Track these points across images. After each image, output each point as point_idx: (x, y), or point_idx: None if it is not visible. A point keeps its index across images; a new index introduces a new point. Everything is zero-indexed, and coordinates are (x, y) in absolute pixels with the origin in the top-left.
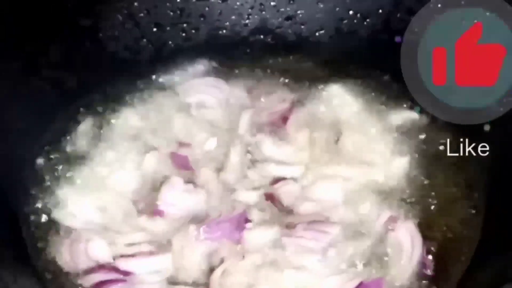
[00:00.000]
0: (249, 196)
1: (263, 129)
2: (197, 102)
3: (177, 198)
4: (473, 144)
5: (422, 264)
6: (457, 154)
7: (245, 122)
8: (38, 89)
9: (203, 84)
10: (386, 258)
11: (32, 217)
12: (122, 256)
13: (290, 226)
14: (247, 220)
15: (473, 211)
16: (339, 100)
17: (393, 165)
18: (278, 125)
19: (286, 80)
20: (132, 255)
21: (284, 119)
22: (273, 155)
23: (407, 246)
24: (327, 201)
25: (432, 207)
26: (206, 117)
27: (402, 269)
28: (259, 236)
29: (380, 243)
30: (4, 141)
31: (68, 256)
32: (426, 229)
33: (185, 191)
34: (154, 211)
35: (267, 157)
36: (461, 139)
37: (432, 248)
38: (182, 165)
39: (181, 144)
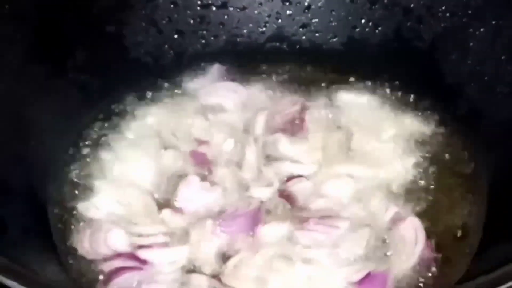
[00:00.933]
0: (264, 193)
1: (278, 130)
2: (216, 105)
3: (195, 195)
4: (478, 148)
5: (425, 259)
6: (463, 158)
7: (261, 123)
8: (65, 91)
9: (222, 88)
10: (390, 253)
11: (58, 209)
12: (140, 246)
13: (302, 221)
14: (262, 215)
15: (475, 212)
16: (352, 104)
17: (401, 166)
18: (292, 126)
19: (301, 85)
20: (150, 246)
21: (301, 120)
22: (288, 154)
23: (411, 240)
24: (337, 198)
25: (436, 206)
26: (224, 119)
27: (405, 263)
28: (272, 230)
29: (386, 237)
30: (34, 138)
31: (88, 244)
32: (430, 226)
33: (202, 189)
34: (172, 208)
35: (283, 155)
36: (467, 144)
37: (435, 245)
38: (201, 161)
39: (200, 142)
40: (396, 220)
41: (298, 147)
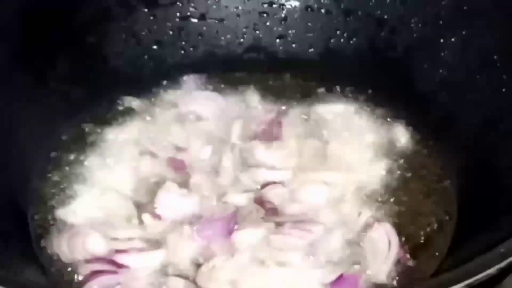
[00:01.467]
0: (240, 199)
1: (254, 137)
2: (194, 113)
3: (173, 202)
4: (449, 153)
5: (399, 261)
6: (432, 161)
7: (237, 131)
8: (46, 100)
9: (200, 97)
10: (364, 257)
11: (38, 215)
12: (117, 251)
13: (277, 225)
14: (237, 221)
15: (447, 216)
16: (327, 112)
17: (374, 172)
18: (268, 133)
19: (278, 94)
20: (127, 250)
21: (277, 127)
22: (264, 160)
23: (384, 244)
24: (312, 203)
25: (408, 210)
26: (202, 127)
27: (379, 268)
28: (248, 235)
29: (359, 242)
30: (15, 146)
31: (66, 248)
32: (402, 229)
33: (179, 195)
34: (151, 213)
35: (259, 162)
36: (438, 149)
37: (408, 247)
38: (179, 168)
39: (178, 149)
40: (369, 225)
41: (274, 154)
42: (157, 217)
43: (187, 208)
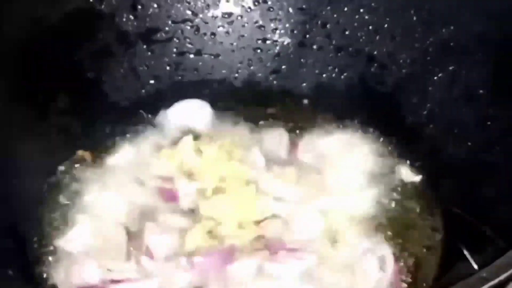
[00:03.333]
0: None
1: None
2: (186, 127)
3: (161, 239)
4: (437, 183)
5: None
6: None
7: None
8: (46, 133)
9: (188, 107)
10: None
11: (36, 243)
12: (112, 281)
13: (272, 253)
14: (234, 254)
15: (435, 232)
16: (321, 143)
17: (366, 199)
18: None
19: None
20: (121, 280)
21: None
22: (271, 190)
23: (379, 267)
24: (307, 232)
25: (401, 233)
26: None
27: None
28: (243, 267)
29: (353, 269)
30: (15, 176)
31: (64, 276)
32: (396, 251)
33: (164, 232)
34: (144, 253)
35: (265, 191)
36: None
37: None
38: (169, 197)
39: (164, 179)
40: (365, 250)
41: (280, 183)
42: (150, 255)
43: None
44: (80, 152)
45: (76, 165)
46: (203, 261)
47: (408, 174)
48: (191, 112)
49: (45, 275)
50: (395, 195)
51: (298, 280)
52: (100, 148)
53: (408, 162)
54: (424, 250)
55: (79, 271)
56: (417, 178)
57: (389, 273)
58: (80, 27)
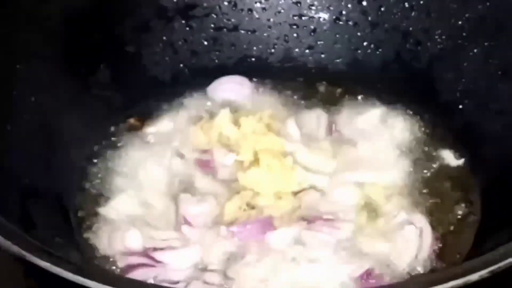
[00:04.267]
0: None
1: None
2: (224, 101)
3: (198, 209)
4: (470, 154)
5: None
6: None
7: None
8: (89, 105)
9: (228, 82)
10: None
11: (80, 210)
12: (154, 248)
13: (309, 222)
14: (272, 223)
15: (469, 209)
16: (356, 118)
17: (402, 170)
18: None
19: (307, 102)
20: (163, 248)
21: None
22: (305, 163)
23: (416, 239)
24: (344, 203)
25: (437, 204)
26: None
27: (412, 258)
28: (281, 235)
29: (391, 238)
30: (59, 145)
31: (106, 241)
32: (432, 221)
33: (202, 202)
34: (184, 222)
35: (299, 164)
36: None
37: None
38: (208, 169)
39: (203, 151)
40: (402, 221)
41: (314, 157)
42: (189, 224)
43: (206, 211)
44: (131, 120)
45: (118, 136)
46: (242, 230)
47: (444, 152)
48: (230, 86)
49: (89, 242)
50: (429, 169)
51: (335, 248)
52: (142, 119)
53: (442, 138)
54: (457, 223)
55: (122, 238)
56: (453, 156)
57: (429, 242)
58: (121, 2)
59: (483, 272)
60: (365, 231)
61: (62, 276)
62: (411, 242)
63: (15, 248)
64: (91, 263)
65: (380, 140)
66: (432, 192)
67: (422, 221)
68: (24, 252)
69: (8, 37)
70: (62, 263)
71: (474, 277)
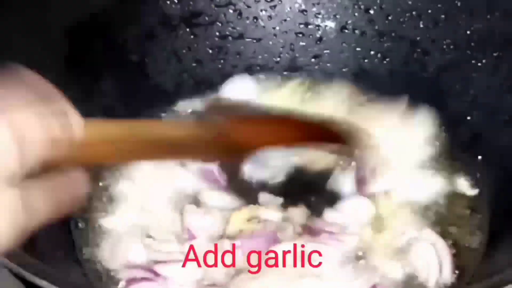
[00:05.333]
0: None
1: None
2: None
3: (202, 221)
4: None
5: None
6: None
7: None
8: (90, 114)
9: (240, 81)
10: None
11: (81, 222)
12: (157, 262)
13: (314, 235)
14: (278, 238)
15: (480, 227)
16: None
17: (411, 184)
18: None
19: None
20: (166, 261)
21: None
22: None
23: (433, 256)
24: (351, 216)
25: (446, 223)
26: None
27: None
28: (286, 249)
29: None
30: None
31: (109, 254)
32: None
33: (206, 214)
34: (188, 236)
35: None
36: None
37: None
38: (210, 179)
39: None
40: (413, 237)
41: None
42: (193, 237)
43: (210, 225)
44: None
45: None
46: (246, 244)
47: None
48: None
49: (91, 255)
50: (440, 184)
51: (340, 262)
52: None
53: (451, 149)
54: (469, 241)
55: (125, 250)
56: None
57: (447, 256)
58: (124, 10)
59: None
60: (373, 246)
61: None
62: (430, 258)
63: (13, 266)
64: (91, 277)
65: (387, 150)
66: (443, 210)
67: (433, 236)
68: (22, 271)
69: (9, 47)
70: (61, 283)
71: None
